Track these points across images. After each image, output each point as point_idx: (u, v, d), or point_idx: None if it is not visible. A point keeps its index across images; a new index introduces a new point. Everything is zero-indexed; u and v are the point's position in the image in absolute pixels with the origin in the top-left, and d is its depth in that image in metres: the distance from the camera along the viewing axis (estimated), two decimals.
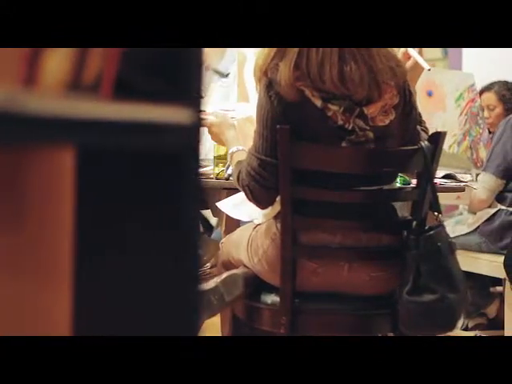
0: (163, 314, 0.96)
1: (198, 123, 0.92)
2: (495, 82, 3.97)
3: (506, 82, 3.95)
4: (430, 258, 1.96)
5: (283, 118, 1.96)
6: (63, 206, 1.03)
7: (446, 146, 3.83)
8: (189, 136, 0.91)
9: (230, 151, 2.25)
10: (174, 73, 0.92)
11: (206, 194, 2.68)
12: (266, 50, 2.02)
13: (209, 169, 2.61)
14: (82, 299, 1.03)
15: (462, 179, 2.67)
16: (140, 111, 0.88)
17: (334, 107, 1.97)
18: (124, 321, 0.99)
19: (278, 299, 2.07)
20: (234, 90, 2.93)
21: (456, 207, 4.52)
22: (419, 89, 3.78)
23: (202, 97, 0.92)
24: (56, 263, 1.04)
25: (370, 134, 2.00)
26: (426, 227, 2.02)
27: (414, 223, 2.02)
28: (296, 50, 1.96)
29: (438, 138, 2.06)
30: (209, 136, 2.39)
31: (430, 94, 3.78)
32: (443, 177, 2.65)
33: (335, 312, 2.08)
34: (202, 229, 6.50)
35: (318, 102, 1.97)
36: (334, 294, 2.08)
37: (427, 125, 3.74)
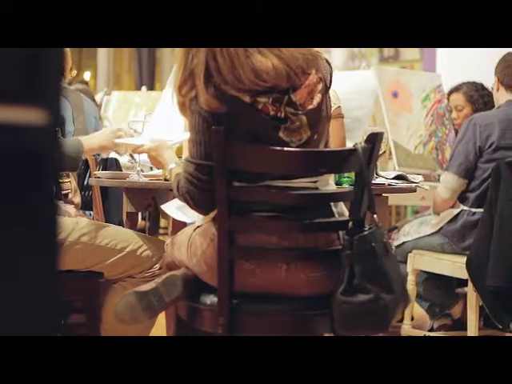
0: (26, 314, 0.96)
1: (54, 124, 0.92)
2: (463, 83, 3.98)
3: (474, 83, 3.96)
4: (363, 259, 1.97)
5: (215, 121, 1.99)
6: None
7: (412, 147, 3.85)
8: (45, 137, 0.92)
9: (168, 168, 2.28)
10: (30, 73, 0.93)
11: (157, 196, 2.69)
12: (175, 78, 2.06)
13: (161, 171, 2.63)
14: None
15: (413, 180, 2.67)
16: None
17: (262, 99, 2.01)
18: None
19: (216, 300, 2.07)
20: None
21: (427, 207, 4.52)
22: (385, 90, 3.79)
23: (58, 97, 0.93)
24: None
25: (304, 118, 2.04)
26: (366, 228, 2.03)
27: (350, 224, 2.03)
28: (202, 63, 1.99)
29: (375, 139, 2.06)
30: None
31: (395, 95, 3.78)
32: (394, 177, 2.66)
33: (274, 312, 2.08)
34: None
35: (246, 98, 2.01)
36: (272, 294, 2.08)
37: (393, 126, 3.76)
